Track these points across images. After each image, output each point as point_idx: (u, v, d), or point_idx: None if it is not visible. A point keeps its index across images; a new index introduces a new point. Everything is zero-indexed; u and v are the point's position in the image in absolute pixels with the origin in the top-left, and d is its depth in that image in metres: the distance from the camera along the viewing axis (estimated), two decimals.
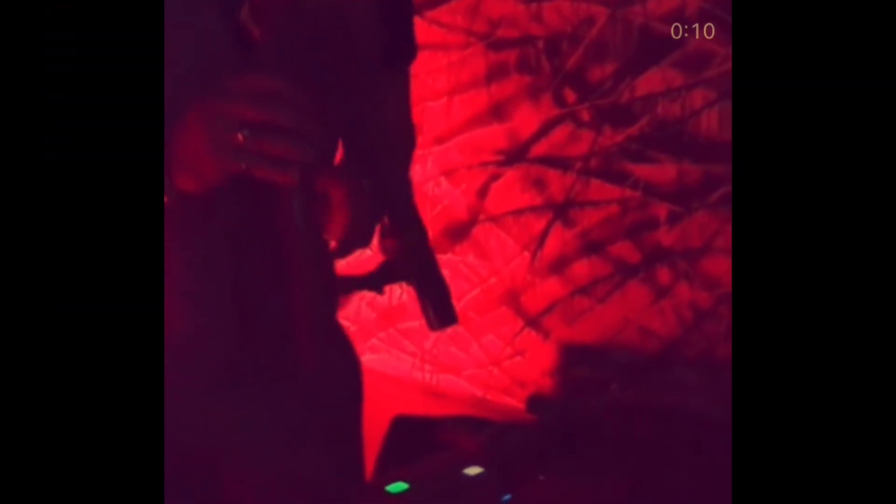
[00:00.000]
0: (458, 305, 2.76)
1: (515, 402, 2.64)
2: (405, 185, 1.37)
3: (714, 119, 2.11)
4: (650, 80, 2.17)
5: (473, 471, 1.22)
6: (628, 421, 1.45)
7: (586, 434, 1.34)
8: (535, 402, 1.94)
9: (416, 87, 1.56)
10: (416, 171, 2.83)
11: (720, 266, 2.15)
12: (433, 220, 2.85)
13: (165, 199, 0.98)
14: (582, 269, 2.41)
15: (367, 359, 3.04)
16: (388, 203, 1.20)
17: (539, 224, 2.50)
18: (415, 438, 1.73)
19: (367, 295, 3.13)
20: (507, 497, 1.16)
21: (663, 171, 2.20)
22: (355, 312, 3.22)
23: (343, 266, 1.35)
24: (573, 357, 2.50)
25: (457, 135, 2.69)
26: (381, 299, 3.31)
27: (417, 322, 2.90)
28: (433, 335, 2.89)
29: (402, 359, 3.04)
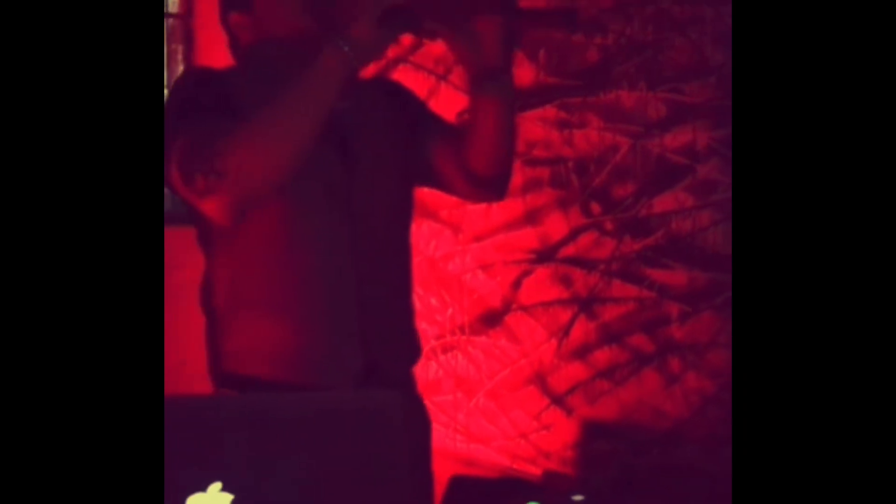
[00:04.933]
0: (491, 384, 3.12)
1: (540, 472, 2.94)
2: None
3: (719, 235, 2.48)
4: (665, 201, 2.53)
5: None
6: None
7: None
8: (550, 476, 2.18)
9: None
10: (457, 264, 3.20)
11: (723, 358, 2.47)
12: (470, 307, 3.20)
13: None
14: (602, 356, 2.72)
15: None
16: None
17: (565, 315, 2.83)
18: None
19: None
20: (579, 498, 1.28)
21: (675, 277, 2.55)
22: None
23: None
24: (593, 433, 2.81)
25: (494, 234, 3.03)
26: (418, 375, 3.57)
27: (451, 395, 3.25)
28: (465, 408, 3.20)
29: (436, 429, 3.33)
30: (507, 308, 3.06)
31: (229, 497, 0.79)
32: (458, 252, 3.21)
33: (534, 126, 2.88)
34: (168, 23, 3.48)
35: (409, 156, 1.22)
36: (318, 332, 1.13)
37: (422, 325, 3.37)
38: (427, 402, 3.45)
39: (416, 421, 1.29)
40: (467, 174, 1.20)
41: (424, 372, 3.38)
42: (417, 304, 3.43)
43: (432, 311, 3.38)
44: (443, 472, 3.17)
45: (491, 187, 1.24)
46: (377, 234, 1.18)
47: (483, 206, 3.03)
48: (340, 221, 1.14)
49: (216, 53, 3.36)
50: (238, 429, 0.84)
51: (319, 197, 1.12)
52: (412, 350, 1.24)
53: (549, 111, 2.83)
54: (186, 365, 2.67)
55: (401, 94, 1.28)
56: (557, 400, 2.88)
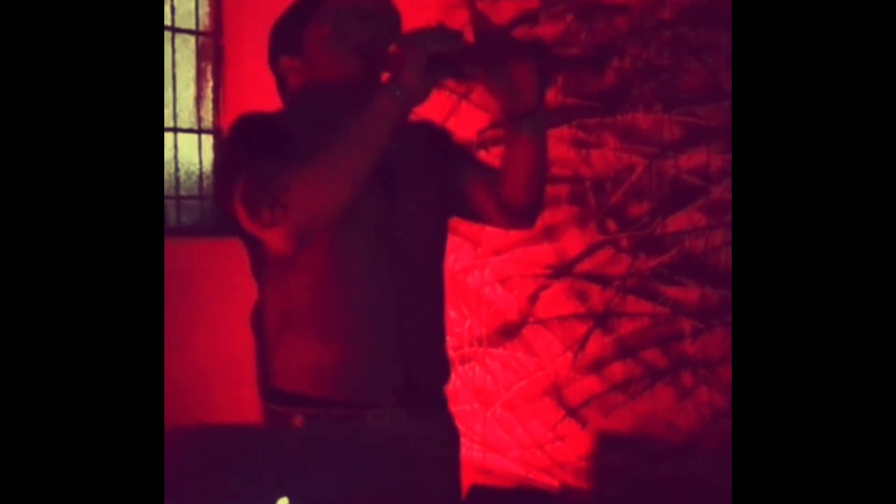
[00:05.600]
0: (507, 395, 3.19)
1: (555, 482, 3.01)
2: None
3: (731, 254, 2.54)
4: (679, 220, 2.59)
5: None
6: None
7: None
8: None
9: None
10: (476, 277, 3.27)
11: None
12: (489, 319, 3.27)
13: None
14: (617, 369, 2.79)
15: None
16: None
17: (581, 329, 2.90)
18: None
19: None
20: None
21: (688, 294, 2.60)
22: None
23: None
24: (608, 444, 2.87)
25: (513, 249, 3.10)
26: None
27: (469, 406, 3.32)
28: (482, 418, 3.28)
29: None
30: (524, 321, 3.13)
31: None
32: (478, 265, 3.29)
33: (553, 145, 2.92)
34: (198, 41, 3.59)
35: (447, 191, 1.31)
36: (360, 353, 1.21)
37: None
38: None
39: (448, 437, 1.34)
40: (502, 205, 1.29)
41: None
42: None
43: (451, 322, 3.45)
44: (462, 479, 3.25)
45: (524, 216, 1.32)
46: (415, 264, 1.26)
47: None
48: (383, 251, 1.23)
49: (244, 70, 3.47)
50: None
51: (365, 229, 1.21)
52: (444, 370, 1.32)
53: (568, 131, 2.90)
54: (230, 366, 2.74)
55: (439, 135, 1.37)
56: (572, 412, 2.95)
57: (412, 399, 1.23)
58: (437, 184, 1.30)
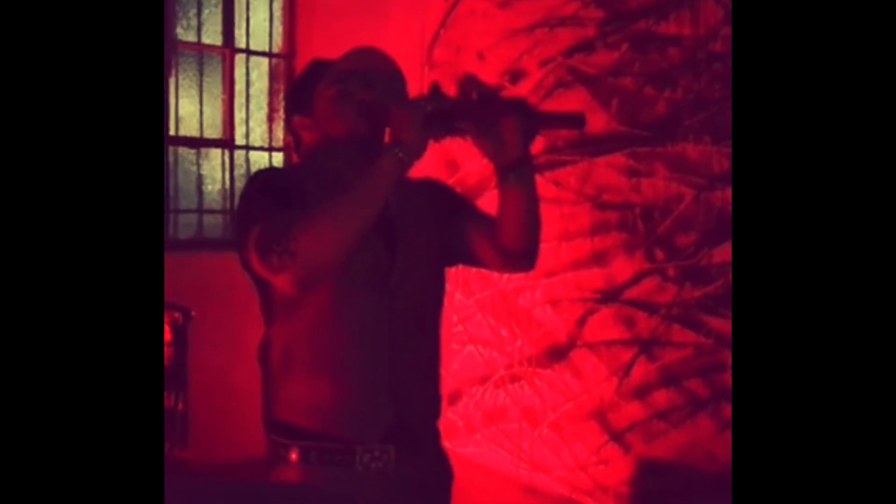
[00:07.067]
0: (554, 416, 3.22)
1: None
2: None
3: None
4: (725, 251, 2.58)
5: None
6: None
7: None
8: None
9: None
10: (527, 298, 3.33)
11: None
12: (538, 340, 3.33)
13: None
14: (661, 397, 2.80)
15: (469, 452, 3.49)
16: None
17: (627, 355, 2.92)
18: None
19: (475, 395, 3.59)
20: None
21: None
22: (463, 409, 3.66)
23: None
24: (648, 470, 2.89)
25: (563, 272, 3.16)
26: (487, 401, 3.74)
27: (517, 424, 3.38)
28: (529, 437, 3.33)
29: (501, 455, 3.49)
30: (572, 344, 3.17)
31: None
32: (529, 286, 3.35)
33: (605, 171, 2.99)
34: (271, 62, 3.76)
35: (447, 241, 1.39)
36: (353, 391, 1.29)
37: (493, 354, 3.54)
38: (494, 428, 3.59)
39: (439, 472, 1.40)
40: (500, 250, 1.36)
41: (493, 399, 3.53)
42: (489, 333, 3.58)
43: (503, 341, 3.52)
44: (506, 498, 3.31)
45: (521, 259, 1.39)
46: (411, 309, 1.34)
47: (554, 244, 3.18)
48: (380, 297, 1.31)
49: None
50: None
51: (364, 276, 1.29)
52: (435, 409, 1.39)
53: (620, 158, 2.94)
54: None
55: (439, 190, 1.45)
56: (616, 436, 2.97)
57: (402, 436, 1.31)
58: (435, 235, 1.38)
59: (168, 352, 2.05)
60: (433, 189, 1.44)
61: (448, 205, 1.42)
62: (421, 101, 1.21)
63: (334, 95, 1.33)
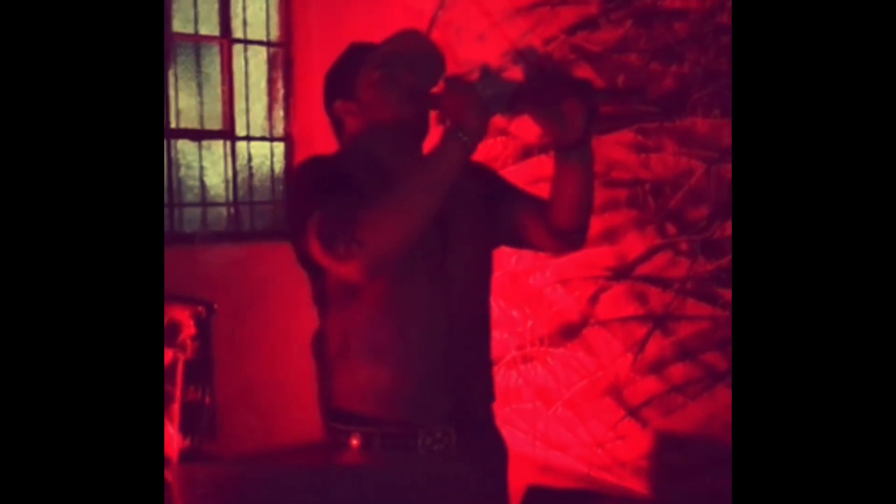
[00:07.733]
0: (569, 394, 3.23)
1: (616, 480, 3.05)
2: None
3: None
4: None
5: None
6: None
7: None
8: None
9: None
10: (537, 278, 3.33)
11: None
12: (550, 319, 3.33)
13: None
14: (677, 371, 2.81)
15: None
16: None
17: (641, 331, 2.93)
18: None
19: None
20: None
21: None
22: None
23: None
24: (667, 444, 2.91)
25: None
26: (499, 383, 3.73)
27: (531, 404, 3.39)
28: (544, 416, 3.34)
29: (516, 435, 3.50)
30: (584, 322, 3.18)
31: None
32: (539, 267, 3.35)
33: (613, 149, 2.99)
34: (269, 52, 3.73)
35: (497, 225, 1.39)
36: (411, 377, 1.30)
37: (503, 336, 3.55)
38: (507, 409, 3.61)
39: (495, 453, 1.42)
40: (552, 230, 1.37)
41: (505, 381, 3.53)
42: (499, 314, 3.59)
43: (514, 322, 3.52)
44: (521, 477, 3.32)
45: (573, 239, 1.40)
46: (465, 294, 1.35)
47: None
48: (435, 282, 1.32)
49: (313, 79, 3.60)
50: None
51: (420, 261, 1.30)
52: (490, 393, 1.41)
53: (628, 135, 2.93)
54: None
55: (488, 175, 1.45)
56: (633, 412, 2.99)
57: (460, 419, 1.31)
58: (486, 219, 1.38)
59: (192, 346, 2.05)
60: (478, 172, 1.44)
61: (494, 188, 1.42)
62: (478, 83, 1.20)
63: (379, 79, 1.32)
